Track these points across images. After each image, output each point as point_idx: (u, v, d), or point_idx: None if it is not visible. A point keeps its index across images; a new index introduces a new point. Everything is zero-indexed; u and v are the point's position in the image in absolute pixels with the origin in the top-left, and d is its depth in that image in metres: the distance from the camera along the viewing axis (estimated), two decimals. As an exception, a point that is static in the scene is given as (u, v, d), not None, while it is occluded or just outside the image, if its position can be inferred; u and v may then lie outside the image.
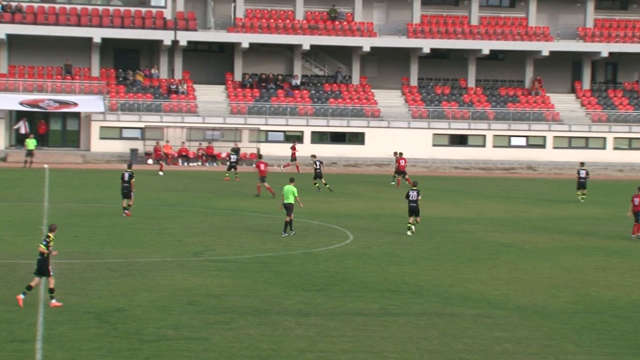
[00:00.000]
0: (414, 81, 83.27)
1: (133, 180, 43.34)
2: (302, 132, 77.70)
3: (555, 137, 79.82)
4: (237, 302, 25.83)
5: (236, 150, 66.62)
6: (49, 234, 25.08)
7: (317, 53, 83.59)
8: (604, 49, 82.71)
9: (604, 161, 78.40)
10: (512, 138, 79.83)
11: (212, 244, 35.60)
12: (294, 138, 75.03)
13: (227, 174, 61.78)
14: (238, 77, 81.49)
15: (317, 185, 55.83)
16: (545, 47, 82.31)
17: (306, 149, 76.59)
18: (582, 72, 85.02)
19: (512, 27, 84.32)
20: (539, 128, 79.91)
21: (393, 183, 61.24)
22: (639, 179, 71.28)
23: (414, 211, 39.40)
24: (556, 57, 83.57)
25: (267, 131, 77.10)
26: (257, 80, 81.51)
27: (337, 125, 78.28)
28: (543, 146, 79.57)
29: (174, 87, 78.43)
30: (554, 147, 79.48)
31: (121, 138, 75.10)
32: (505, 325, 24.27)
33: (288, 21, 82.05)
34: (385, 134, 77.55)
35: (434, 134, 79.07)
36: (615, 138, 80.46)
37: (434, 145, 78.66)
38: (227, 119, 76.89)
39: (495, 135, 79.50)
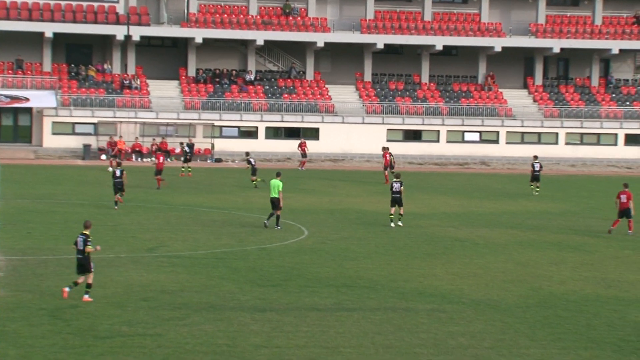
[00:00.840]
0: (368, 77, 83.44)
1: (125, 173, 44.80)
2: (256, 127, 77.60)
3: (508, 132, 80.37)
4: (192, 298, 25.73)
5: (190, 146, 66.35)
6: (86, 232, 25.22)
7: (271, 48, 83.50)
8: (556, 44, 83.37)
9: (556, 156, 79.07)
10: (465, 133, 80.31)
11: (166, 239, 35.44)
12: (301, 135, 74.79)
13: (182, 169, 61.59)
14: (192, 72, 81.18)
15: (254, 183, 55.21)
16: (497, 43, 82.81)
17: (260, 145, 76.60)
18: (534, 67, 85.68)
19: (465, 23, 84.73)
20: (492, 123, 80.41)
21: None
22: (590, 174, 72.05)
23: (396, 201, 40.30)
24: (508, 52, 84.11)
25: (221, 126, 76.88)
26: (211, 76, 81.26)
27: (292, 121, 78.28)
28: (496, 141, 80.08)
29: (127, 82, 77.97)
30: (507, 143, 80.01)
31: (74, 133, 74.56)
32: (459, 319, 24.39)
33: (242, 16, 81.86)
34: (340, 130, 77.65)
35: (388, 130, 79.29)
36: (567, 133, 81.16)
37: (388, 140, 78.80)
38: (180, 114, 76.60)
39: (448, 131, 79.92)
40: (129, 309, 24.24)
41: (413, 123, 79.82)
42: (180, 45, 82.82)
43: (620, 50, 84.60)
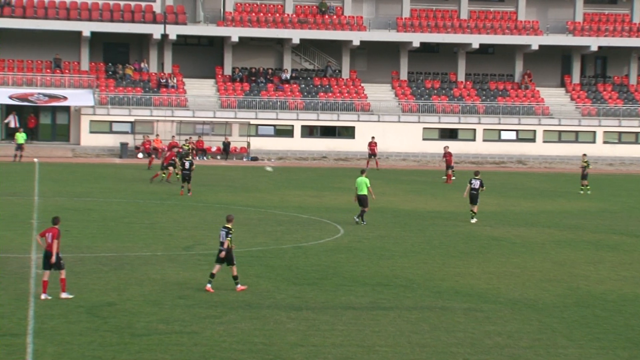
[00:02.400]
0: (403, 75, 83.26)
1: (193, 167, 48.66)
2: (292, 126, 77.65)
3: (545, 131, 79.91)
4: (228, 296, 25.80)
5: (226, 144, 66.37)
6: (228, 225, 26.26)
7: (307, 47, 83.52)
8: (593, 43, 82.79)
9: (594, 155, 78.41)
10: (502, 132, 79.92)
11: (203, 238, 35.54)
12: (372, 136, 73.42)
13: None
14: (228, 71, 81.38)
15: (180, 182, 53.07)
16: (534, 41, 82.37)
17: (296, 143, 76.71)
18: (572, 66, 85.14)
19: (501, 21, 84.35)
20: (529, 122, 80.00)
21: (444, 177, 61.64)
22: (629, 173, 71.51)
23: (473, 198, 41.38)
24: (546, 51, 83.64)
25: (257, 125, 77.01)
26: (247, 74, 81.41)
27: (327, 119, 78.26)
28: (533, 140, 79.66)
29: (164, 81, 78.29)
30: (544, 141, 79.56)
31: (111, 132, 74.95)
32: (496, 318, 24.30)
33: (277, 15, 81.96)
34: (376, 128, 77.50)
35: (424, 128, 79.09)
36: (605, 132, 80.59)
37: (424, 139, 78.68)
38: (217, 112, 76.79)
39: (485, 129, 79.57)
40: (165, 307, 24.34)
41: (449, 122, 79.55)
42: (216, 44, 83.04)
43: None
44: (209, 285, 26.35)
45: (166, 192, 49.84)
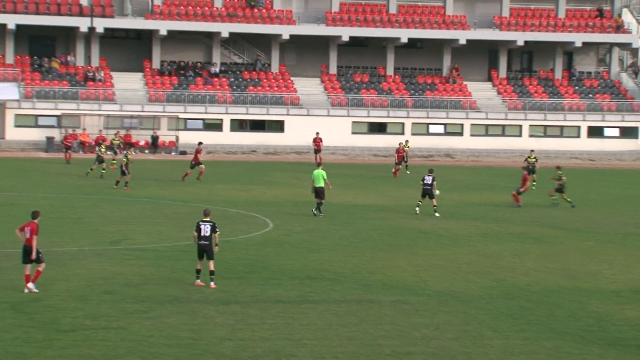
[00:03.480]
0: (333, 69, 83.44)
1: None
2: (221, 120, 77.44)
3: (472, 124, 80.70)
4: (156, 291, 25.65)
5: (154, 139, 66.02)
6: (207, 219, 26.58)
7: (236, 41, 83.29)
8: (520, 37, 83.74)
9: (519, 148, 79.42)
10: (430, 126, 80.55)
11: (130, 232, 35.29)
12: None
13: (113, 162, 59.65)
14: (156, 64, 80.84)
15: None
16: (462, 36, 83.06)
17: (226, 137, 76.52)
18: (499, 60, 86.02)
19: (429, 15, 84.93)
20: (457, 116, 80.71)
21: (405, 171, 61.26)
22: (553, 166, 72.38)
23: (427, 193, 42.11)
24: (473, 45, 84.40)
25: (185, 119, 76.64)
26: (176, 68, 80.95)
27: (257, 113, 78.20)
28: (460, 134, 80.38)
29: (91, 74, 77.52)
30: (471, 135, 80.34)
31: (37, 126, 74.06)
32: (423, 311, 24.47)
33: (206, 8, 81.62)
34: (305, 122, 77.60)
35: (353, 122, 79.41)
36: (530, 125, 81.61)
37: (353, 133, 79.00)
38: (145, 106, 76.25)
39: (413, 123, 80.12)
40: (92, 302, 24.12)
41: (378, 115, 79.97)
42: (144, 38, 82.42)
43: (583, 43, 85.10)
44: (198, 281, 26.50)
45: (93, 186, 49.35)
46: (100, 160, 55.08)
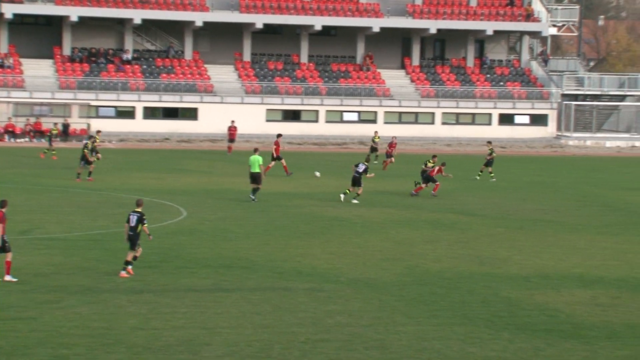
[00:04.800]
0: (247, 56, 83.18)
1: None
2: (133, 107, 76.71)
3: (386, 112, 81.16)
4: (67, 281, 25.33)
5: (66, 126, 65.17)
6: (139, 210, 26.36)
7: (149, 27, 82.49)
8: (432, 25, 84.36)
9: (432, 136, 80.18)
10: (344, 113, 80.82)
11: (40, 222, 34.79)
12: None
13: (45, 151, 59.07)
14: (67, 51, 79.70)
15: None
16: (375, 24, 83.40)
17: (139, 125, 75.85)
18: (412, 48, 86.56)
19: (343, 3, 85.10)
20: (370, 103, 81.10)
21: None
22: (465, 153, 73.17)
23: (356, 181, 42.27)
24: (386, 33, 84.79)
25: (97, 106, 75.77)
26: (87, 55, 79.92)
27: (170, 101, 77.64)
28: (374, 121, 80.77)
29: (0, 61, 76.11)
30: (385, 122, 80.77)
31: (-57, 113, 72.54)
32: (337, 298, 24.57)
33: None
34: (219, 110, 77.27)
35: (268, 110, 79.32)
36: (443, 113, 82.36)
37: (268, 120, 78.91)
38: (55, 94, 75.17)
39: (327, 111, 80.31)
40: (1, 293, 23.73)
41: (292, 103, 79.98)
42: (54, 24, 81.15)
43: (495, 32, 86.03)
44: (126, 270, 26.12)
45: (1, 175, 48.53)
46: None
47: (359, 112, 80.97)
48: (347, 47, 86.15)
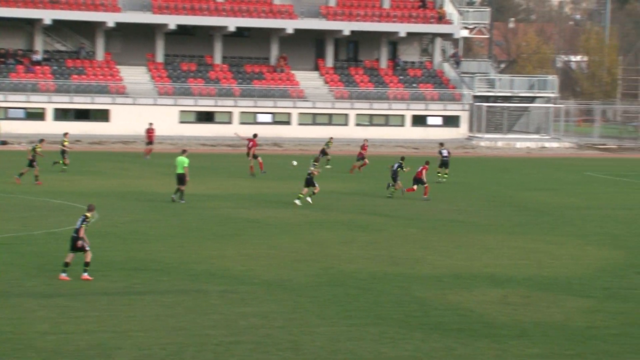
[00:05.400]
0: (160, 58, 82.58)
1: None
2: (44, 109, 75.64)
3: (300, 113, 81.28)
4: (-25, 286, 24.86)
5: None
6: (87, 214, 26.17)
7: (60, 28, 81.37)
8: (346, 27, 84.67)
9: (346, 137, 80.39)
10: (258, 115, 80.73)
11: (-52, 225, 34.10)
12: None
13: None
14: (-25, 51, 78.28)
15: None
16: (289, 25, 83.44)
17: (49, 127, 74.78)
18: (325, 49, 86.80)
19: (257, 4, 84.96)
20: (284, 105, 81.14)
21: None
22: (379, 154, 73.56)
23: (308, 182, 42.55)
24: (300, 35, 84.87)
25: (6, 108, 74.55)
26: (-4, 55, 78.59)
27: (81, 102, 76.72)
28: (288, 123, 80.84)
29: None
30: (299, 124, 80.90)
31: None
32: (251, 300, 24.52)
33: (28, -6, 79.46)
34: (131, 111, 76.58)
35: (181, 111, 78.86)
36: (357, 114, 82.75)
37: (181, 122, 78.47)
38: (-38, 95, 73.79)
39: (241, 112, 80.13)
40: None
41: (206, 104, 79.66)
42: (-38, 24, 79.68)
43: (408, 34, 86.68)
44: (63, 275, 25.85)
45: None
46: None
47: (272, 113, 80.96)
48: (261, 49, 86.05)
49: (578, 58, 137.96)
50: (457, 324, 22.88)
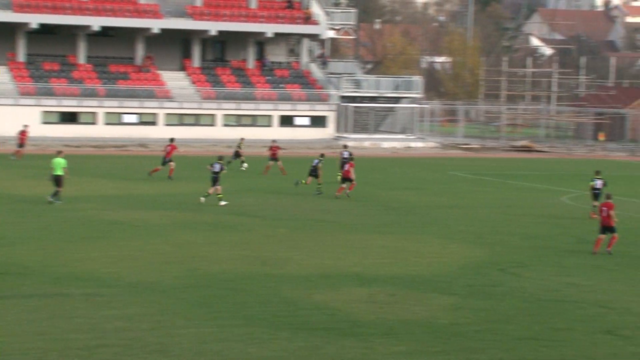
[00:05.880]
0: (21, 57, 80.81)
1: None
2: None
3: (166, 114, 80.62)
4: None
5: None
6: None
7: None
8: (212, 27, 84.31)
9: (214, 137, 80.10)
10: (123, 115, 79.76)
11: None
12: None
13: None
14: None
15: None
16: (155, 25, 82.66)
17: None
18: (192, 49, 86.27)
19: (121, 3, 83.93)
20: (151, 105, 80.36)
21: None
22: (247, 155, 73.49)
23: (215, 181, 43.12)
24: (166, 34, 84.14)
25: None
26: None
27: (-61, 102, 74.56)
28: (155, 123, 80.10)
29: None
30: (166, 124, 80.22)
31: None
32: (116, 302, 24.17)
33: None
34: (-8, 112, 74.75)
35: (44, 112, 77.35)
36: (224, 115, 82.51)
37: (44, 122, 76.95)
38: None
39: (106, 113, 79.04)
40: None
41: (69, 105, 78.29)
42: None
43: (275, 34, 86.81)
44: None
45: None
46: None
47: (138, 114, 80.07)
48: (126, 48, 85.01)
49: (442, 59, 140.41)
50: (323, 323, 22.99)
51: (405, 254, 32.61)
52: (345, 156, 53.03)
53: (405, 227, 38.60)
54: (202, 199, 43.07)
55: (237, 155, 60.84)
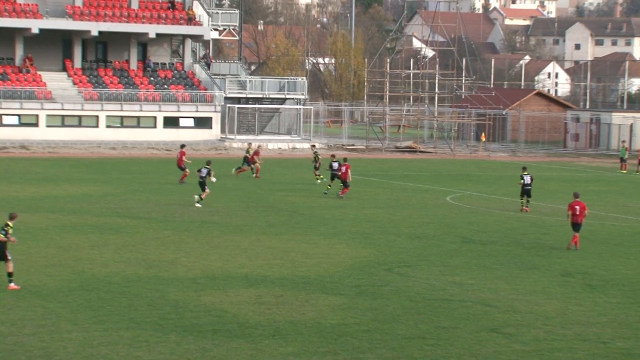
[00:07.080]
0: None
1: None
2: None
3: (48, 115, 79.22)
4: None
5: None
6: (9, 223, 26.07)
7: None
8: (94, 27, 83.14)
9: (97, 139, 79.04)
10: (3, 117, 78.12)
11: None
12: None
13: None
14: None
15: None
16: (34, 25, 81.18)
17: None
18: (73, 50, 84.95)
19: (0, 3, 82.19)
20: (31, 106, 78.86)
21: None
22: (131, 157, 72.75)
23: (202, 185, 44.15)
24: (46, 34, 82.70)
25: None
26: None
27: None
28: (36, 125, 78.65)
29: None
30: (47, 126, 78.84)
31: None
32: (-1, 308, 23.69)
33: None
34: None
35: None
36: (107, 116, 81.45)
37: None
38: None
39: (-16, 114, 77.36)
40: None
41: (-53, 106, 76.38)
42: None
43: (157, 35, 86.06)
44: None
45: None
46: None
47: (19, 115, 78.52)
48: (6, 49, 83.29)
49: (326, 60, 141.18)
50: (211, 325, 22.88)
51: (293, 254, 32.67)
52: (335, 167, 52.04)
53: (292, 228, 38.68)
54: (198, 205, 43.41)
55: (246, 161, 59.70)
